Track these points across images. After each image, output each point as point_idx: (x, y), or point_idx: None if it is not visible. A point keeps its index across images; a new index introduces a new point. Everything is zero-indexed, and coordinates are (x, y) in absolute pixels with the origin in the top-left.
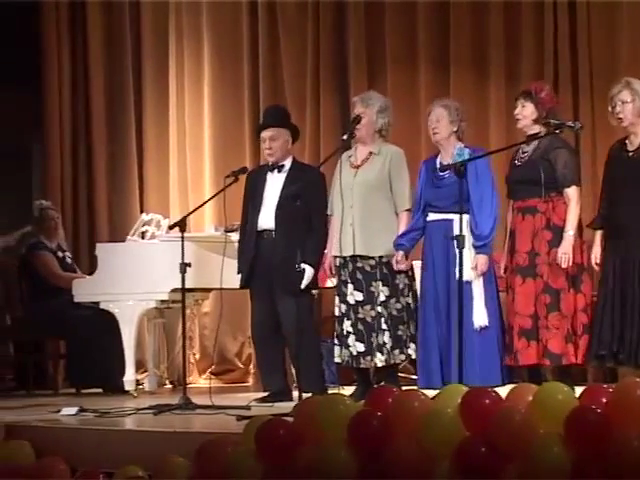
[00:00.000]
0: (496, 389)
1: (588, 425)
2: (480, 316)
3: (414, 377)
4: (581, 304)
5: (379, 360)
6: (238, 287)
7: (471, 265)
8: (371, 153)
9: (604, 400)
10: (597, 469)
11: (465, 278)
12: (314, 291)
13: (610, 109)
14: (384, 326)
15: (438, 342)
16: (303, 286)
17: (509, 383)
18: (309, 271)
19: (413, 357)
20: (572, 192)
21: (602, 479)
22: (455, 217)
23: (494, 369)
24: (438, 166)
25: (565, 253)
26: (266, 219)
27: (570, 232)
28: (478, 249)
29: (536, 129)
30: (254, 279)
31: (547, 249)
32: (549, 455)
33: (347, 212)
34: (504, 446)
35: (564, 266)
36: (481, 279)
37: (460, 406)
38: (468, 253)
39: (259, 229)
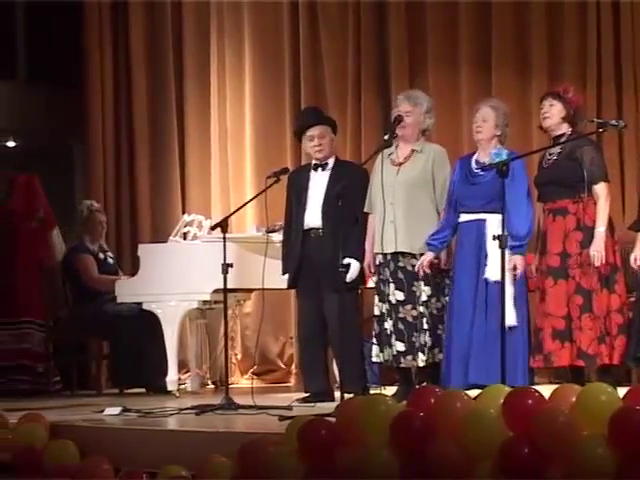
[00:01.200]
0: (539, 389)
1: (633, 426)
2: (509, 316)
3: None
4: (615, 304)
5: (421, 360)
6: (282, 287)
7: (508, 266)
8: (413, 151)
9: None
10: None
11: (495, 278)
12: (360, 287)
13: None
14: (425, 326)
15: (467, 342)
16: (349, 279)
17: (532, 385)
18: (355, 265)
19: None
20: (600, 189)
21: None
22: (488, 217)
23: (518, 370)
24: (474, 164)
25: (597, 251)
26: (312, 217)
27: (601, 229)
28: (514, 249)
29: (563, 129)
30: (301, 278)
31: (578, 250)
32: (593, 456)
33: (388, 209)
34: (547, 447)
35: (597, 264)
36: (511, 279)
37: (503, 406)
38: (499, 253)
39: (305, 228)
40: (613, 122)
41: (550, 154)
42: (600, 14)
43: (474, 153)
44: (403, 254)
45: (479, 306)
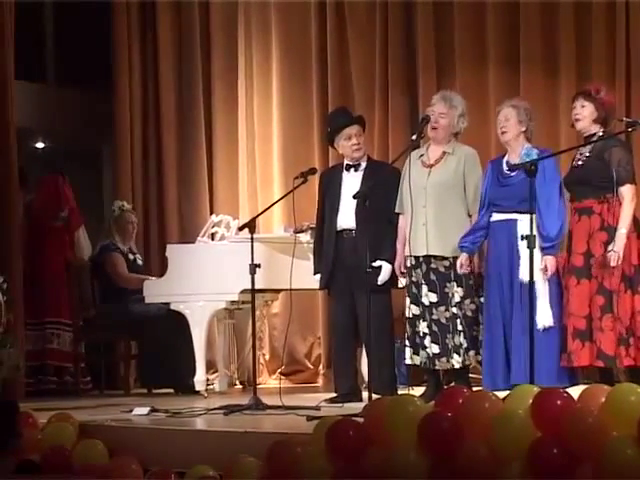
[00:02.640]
0: (568, 390)
1: None
2: (545, 316)
3: None
4: (639, 305)
5: (456, 362)
6: (310, 288)
7: (540, 266)
8: (445, 153)
9: None
10: None
11: (528, 278)
12: (396, 286)
13: None
14: (460, 327)
15: (504, 343)
16: (380, 282)
17: (571, 385)
18: (386, 267)
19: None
20: (626, 190)
21: None
22: (520, 217)
23: (555, 370)
24: (505, 165)
25: (615, 251)
26: (345, 218)
27: (622, 230)
28: (545, 250)
29: (595, 129)
30: (334, 280)
31: (602, 250)
32: (622, 457)
33: (420, 212)
34: (576, 448)
35: (613, 264)
36: (546, 279)
37: (531, 407)
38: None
39: (338, 229)
40: None
41: (581, 154)
42: (629, 13)
43: (504, 155)
44: (435, 256)
45: (516, 306)
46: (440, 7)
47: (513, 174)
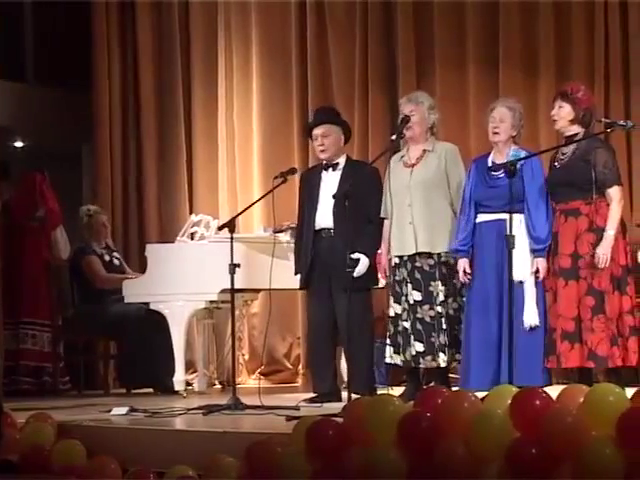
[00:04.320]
0: (547, 390)
1: None
2: (532, 316)
3: None
4: (627, 306)
5: (442, 360)
6: (290, 288)
7: (531, 269)
8: (425, 151)
9: None
10: None
11: (518, 278)
12: (376, 285)
13: None
14: (445, 326)
15: (484, 344)
16: (357, 274)
17: (550, 385)
18: (364, 260)
19: None
20: (614, 192)
21: None
22: (508, 217)
23: (539, 370)
24: (490, 165)
25: (603, 253)
26: (324, 218)
27: (610, 232)
28: (537, 252)
29: (574, 130)
30: (313, 279)
31: (590, 251)
32: (601, 457)
33: (404, 211)
34: (555, 448)
35: (601, 266)
36: (533, 279)
37: (510, 407)
38: (522, 253)
39: (317, 228)
40: (621, 122)
41: (563, 154)
42: (607, 13)
43: (488, 154)
44: (420, 254)
45: (505, 306)
46: (420, 7)
47: (501, 174)
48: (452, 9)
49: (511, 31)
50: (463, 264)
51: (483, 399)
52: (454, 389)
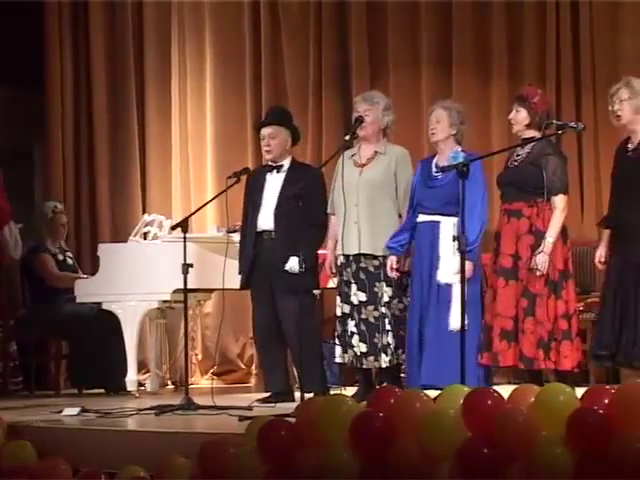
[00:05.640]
0: (498, 390)
1: (590, 426)
2: (456, 319)
3: None
4: (561, 310)
5: (384, 361)
6: (239, 288)
7: (454, 270)
8: (376, 152)
9: (606, 401)
10: (599, 469)
11: (445, 280)
12: (316, 291)
13: (610, 108)
14: (388, 327)
15: (419, 344)
16: (287, 269)
17: (488, 385)
18: (293, 258)
19: None
20: (559, 200)
21: (604, 479)
22: (442, 219)
23: (471, 370)
24: (433, 167)
25: (543, 261)
26: (265, 220)
27: (549, 239)
28: (467, 254)
29: (530, 134)
30: (254, 280)
31: (529, 254)
32: (551, 456)
33: (351, 210)
34: (506, 447)
35: (539, 274)
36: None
37: (462, 407)
38: (451, 256)
39: (258, 230)
40: (572, 124)
41: (518, 155)
42: (559, 14)
43: (434, 155)
44: (365, 255)
45: (431, 307)
46: (373, 8)
47: (440, 176)
48: (405, 9)
49: (464, 32)
50: (390, 262)
51: (435, 399)
52: (407, 389)
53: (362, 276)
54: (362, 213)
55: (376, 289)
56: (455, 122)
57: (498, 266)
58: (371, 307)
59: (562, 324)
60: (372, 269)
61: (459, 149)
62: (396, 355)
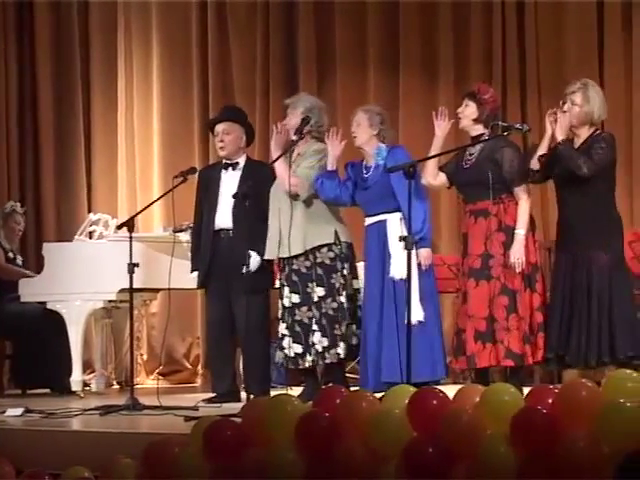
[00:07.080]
0: (443, 390)
1: (534, 425)
2: (417, 312)
3: None
4: (537, 303)
5: (307, 361)
6: (189, 287)
7: (415, 261)
8: (298, 154)
9: (550, 401)
10: (543, 469)
11: (400, 276)
12: (273, 285)
13: (561, 103)
14: (315, 327)
15: (378, 342)
16: (247, 269)
17: (447, 380)
18: (255, 257)
19: (342, 356)
20: (521, 191)
21: (548, 479)
22: (388, 217)
23: (437, 363)
24: (364, 170)
25: (518, 257)
26: (223, 218)
27: (520, 232)
28: (418, 243)
29: (478, 130)
30: (211, 279)
31: (502, 251)
32: (496, 455)
33: (276, 215)
34: (451, 446)
35: (518, 270)
36: (416, 275)
37: (408, 407)
38: (401, 251)
39: (216, 228)
40: (518, 126)
41: (470, 154)
42: (505, 14)
43: (363, 160)
44: (297, 256)
45: (387, 305)
46: (321, 9)
47: (367, 176)
48: (352, 9)
49: (411, 32)
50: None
51: (381, 399)
52: (353, 389)
53: (295, 278)
54: (284, 217)
55: (309, 290)
56: (375, 123)
57: (466, 268)
58: (305, 308)
59: (537, 317)
60: (304, 270)
61: (383, 146)
62: (329, 354)
